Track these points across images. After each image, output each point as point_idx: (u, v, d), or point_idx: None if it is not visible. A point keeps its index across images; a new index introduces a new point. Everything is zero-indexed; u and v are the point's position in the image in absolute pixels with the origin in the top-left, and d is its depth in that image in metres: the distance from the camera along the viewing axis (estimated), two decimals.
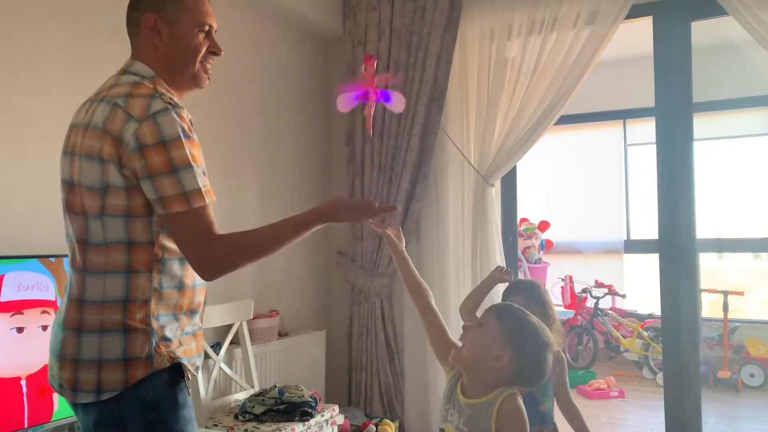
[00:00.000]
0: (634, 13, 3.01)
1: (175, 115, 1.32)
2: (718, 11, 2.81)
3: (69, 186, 1.38)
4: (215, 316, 2.80)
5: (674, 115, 3.08)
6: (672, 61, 3.05)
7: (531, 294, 2.11)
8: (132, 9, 1.49)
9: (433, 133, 3.34)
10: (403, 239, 1.81)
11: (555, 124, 3.24)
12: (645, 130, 5.47)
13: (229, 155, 3.12)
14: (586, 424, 2.19)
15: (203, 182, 1.34)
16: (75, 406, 1.38)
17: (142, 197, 1.32)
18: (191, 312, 1.44)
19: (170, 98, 1.36)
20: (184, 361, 1.39)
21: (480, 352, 1.51)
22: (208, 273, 1.36)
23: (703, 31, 3.18)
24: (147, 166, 1.29)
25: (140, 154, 1.29)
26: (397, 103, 1.91)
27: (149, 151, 1.29)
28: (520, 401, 1.49)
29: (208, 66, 1.52)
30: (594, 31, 3.01)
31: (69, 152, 1.39)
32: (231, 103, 3.15)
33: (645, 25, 3.12)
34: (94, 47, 2.44)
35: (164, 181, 1.29)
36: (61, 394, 1.37)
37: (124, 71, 1.44)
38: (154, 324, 1.34)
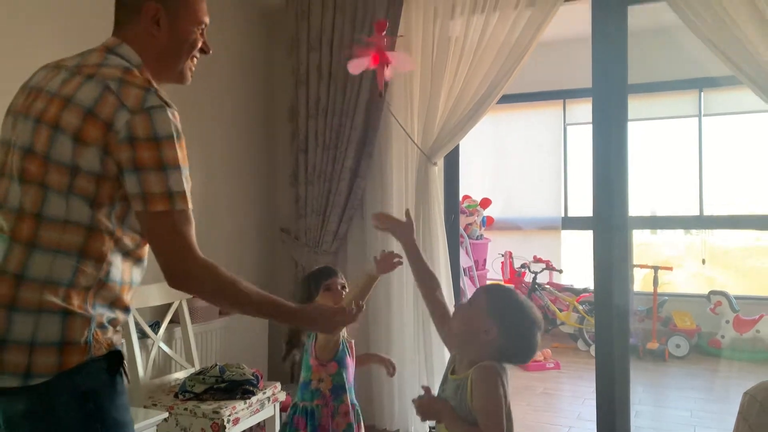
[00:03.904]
0: None
1: (170, 114, 1.29)
2: None
3: (26, 153, 1.29)
4: (154, 294, 2.75)
5: (610, 95, 3.16)
6: (609, 44, 3.12)
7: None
8: None
9: (377, 111, 3.33)
10: (413, 226, 1.82)
11: (497, 103, 3.28)
12: (584, 110, 5.62)
13: None
14: None
15: (187, 187, 1.31)
16: None
17: (112, 188, 1.28)
18: (125, 309, 1.39)
19: (164, 96, 1.32)
20: (120, 348, 1.35)
21: (469, 326, 1.57)
22: (174, 282, 1.34)
23: (639, 15, 3.27)
24: (135, 158, 1.25)
25: (130, 145, 1.25)
26: (404, 63, 1.95)
27: (140, 144, 1.25)
28: (495, 371, 1.51)
29: (194, 63, 1.50)
30: (535, 12, 3.05)
31: (33, 118, 1.30)
32: None
33: (585, 7, 3.19)
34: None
35: (151, 176, 1.26)
36: None
37: (109, 50, 1.38)
38: (92, 311, 1.29)
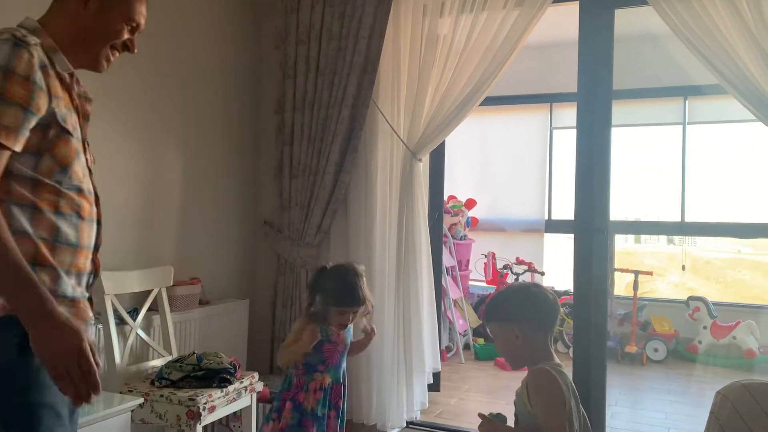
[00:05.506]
0: None
1: (10, 48, 1.24)
2: (640, 0, 2.92)
3: None
4: (133, 281, 2.74)
5: (595, 100, 3.19)
6: (595, 48, 3.16)
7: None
8: None
9: (363, 105, 3.34)
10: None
11: (485, 105, 3.30)
12: (570, 114, 5.66)
13: (151, 119, 3.02)
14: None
15: (9, 123, 1.22)
16: None
17: None
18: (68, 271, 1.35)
19: (23, 35, 1.28)
20: None
21: (508, 349, 1.71)
22: None
23: (625, 21, 3.31)
24: None
25: None
26: None
27: None
28: (546, 372, 1.63)
29: (113, 56, 1.50)
30: (523, 13, 3.08)
31: None
32: (154, 66, 3.03)
33: (573, 11, 3.22)
34: None
35: None
36: None
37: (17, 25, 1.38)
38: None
